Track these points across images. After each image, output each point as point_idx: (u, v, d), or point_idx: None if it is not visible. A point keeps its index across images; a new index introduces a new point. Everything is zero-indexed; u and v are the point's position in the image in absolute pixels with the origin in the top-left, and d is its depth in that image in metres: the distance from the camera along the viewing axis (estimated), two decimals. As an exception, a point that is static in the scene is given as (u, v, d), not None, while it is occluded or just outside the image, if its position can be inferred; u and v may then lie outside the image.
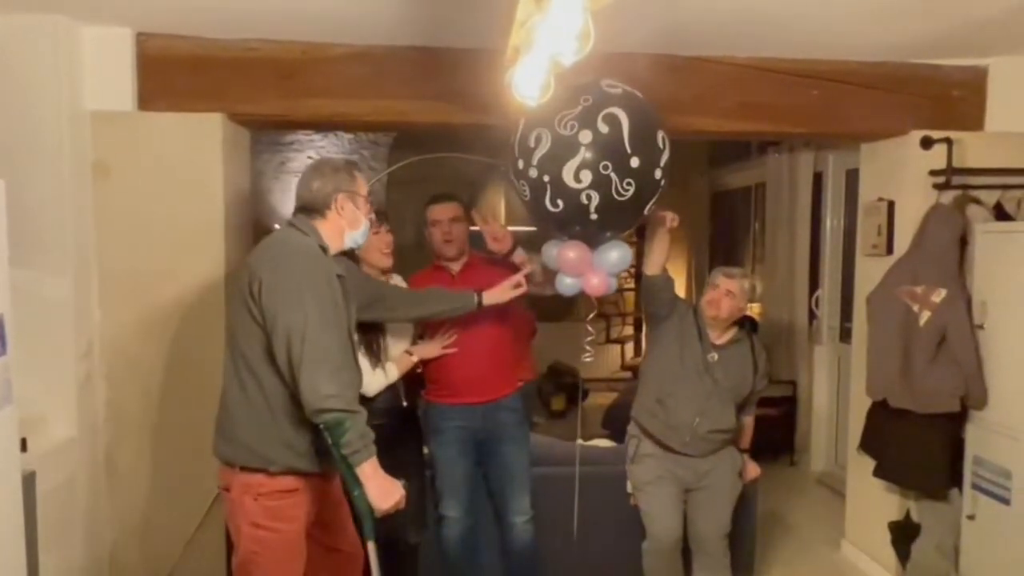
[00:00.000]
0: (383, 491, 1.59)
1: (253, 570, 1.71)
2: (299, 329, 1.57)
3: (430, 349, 2.29)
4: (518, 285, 2.17)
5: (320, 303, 1.61)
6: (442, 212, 2.31)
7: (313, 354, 1.56)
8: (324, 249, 1.72)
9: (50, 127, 2.21)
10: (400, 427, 2.26)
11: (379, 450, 2.11)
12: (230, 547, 1.84)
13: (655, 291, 2.31)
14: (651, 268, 2.28)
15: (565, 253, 2.05)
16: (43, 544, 1.94)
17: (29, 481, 1.86)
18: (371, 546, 1.65)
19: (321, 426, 1.56)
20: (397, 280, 2.35)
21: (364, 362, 2.11)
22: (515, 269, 2.31)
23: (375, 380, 2.14)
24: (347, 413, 1.55)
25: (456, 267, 2.36)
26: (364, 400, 1.84)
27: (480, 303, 2.16)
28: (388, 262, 2.24)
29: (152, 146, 2.39)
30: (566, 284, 2.11)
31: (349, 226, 1.77)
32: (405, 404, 2.28)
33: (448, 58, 2.42)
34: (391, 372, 2.21)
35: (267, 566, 1.70)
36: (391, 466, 2.04)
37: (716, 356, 2.30)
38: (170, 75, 2.39)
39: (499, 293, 2.17)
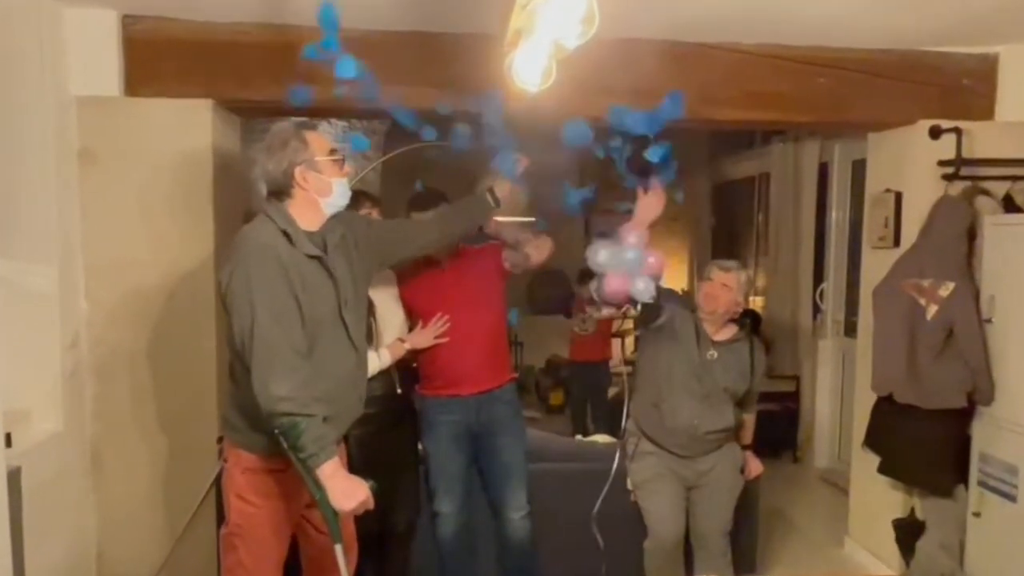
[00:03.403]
0: (345, 492, 1.58)
1: (237, 542, 1.75)
2: (247, 328, 1.58)
3: (422, 338, 2.29)
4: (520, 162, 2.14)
5: (269, 300, 1.58)
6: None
7: (261, 354, 1.56)
8: (288, 235, 1.67)
9: (33, 113, 2.19)
10: (394, 415, 2.27)
11: (373, 438, 2.08)
12: (220, 519, 1.88)
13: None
14: None
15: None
16: (29, 540, 1.94)
17: (14, 477, 1.86)
18: (338, 548, 1.64)
19: (276, 431, 1.55)
20: (386, 272, 2.34)
21: None
22: (499, 252, 2.36)
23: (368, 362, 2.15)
24: (300, 416, 1.54)
25: (444, 255, 2.37)
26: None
27: (496, 201, 2.11)
28: None
29: (139, 133, 2.38)
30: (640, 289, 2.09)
31: (319, 195, 1.71)
32: (399, 391, 2.29)
33: (446, 43, 2.41)
34: (383, 357, 2.22)
35: (249, 540, 1.74)
36: (384, 454, 2.03)
37: (715, 354, 2.29)
38: (158, 59, 2.37)
39: (507, 185, 2.13)
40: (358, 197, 2.26)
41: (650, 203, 2.11)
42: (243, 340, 1.59)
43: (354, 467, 1.79)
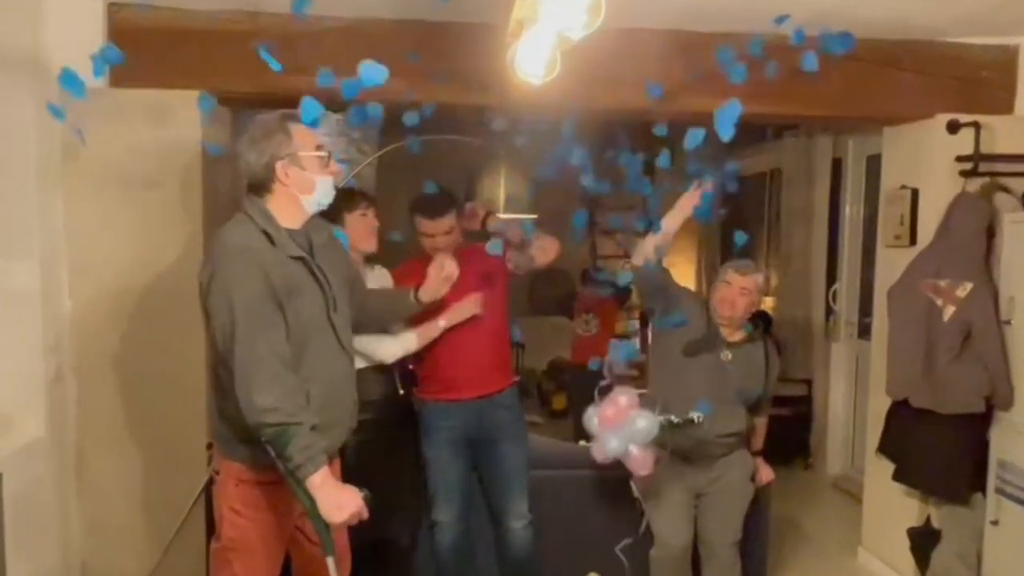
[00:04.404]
0: (336, 503, 1.58)
1: (232, 557, 1.75)
2: (228, 337, 1.57)
3: (465, 309, 2.24)
4: (448, 277, 2.07)
5: (250, 306, 1.57)
6: (433, 228, 2.29)
7: (243, 363, 1.55)
8: (269, 235, 1.65)
9: (13, 104, 2.19)
10: (395, 419, 2.26)
11: (373, 444, 2.06)
12: (210, 534, 1.88)
13: (641, 283, 2.32)
14: (637, 257, 2.28)
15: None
16: (10, 549, 1.95)
17: (-4, 483, 1.87)
18: (330, 561, 1.64)
19: (263, 439, 1.55)
20: (381, 272, 2.34)
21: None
22: (502, 254, 2.35)
23: (391, 347, 2.12)
24: (287, 426, 1.53)
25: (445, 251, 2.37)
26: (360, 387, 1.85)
27: (417, 299, 2.05)
28: (371, 247, 2.23)
29: (125, 125, 2.38)
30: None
31: (301, 192, 1.69)
32: (401, 392, 2.28)
33: (445, 33, 2.41)
34: (407, 340, 2.17)
35: (245, 555, 1.74)
36: (385, 461, 2.01)
37: (729, 355, 2.31)
38: (145, 49, 2.36)
39: (433, 288, 2.05)
40: (354, 196, 2.25)
41: (692, 199, 2.19)
42: (225, 348, 1.59)
43: (353, 475, 1.79)
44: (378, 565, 2.23)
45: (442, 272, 2.03)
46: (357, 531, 1.78)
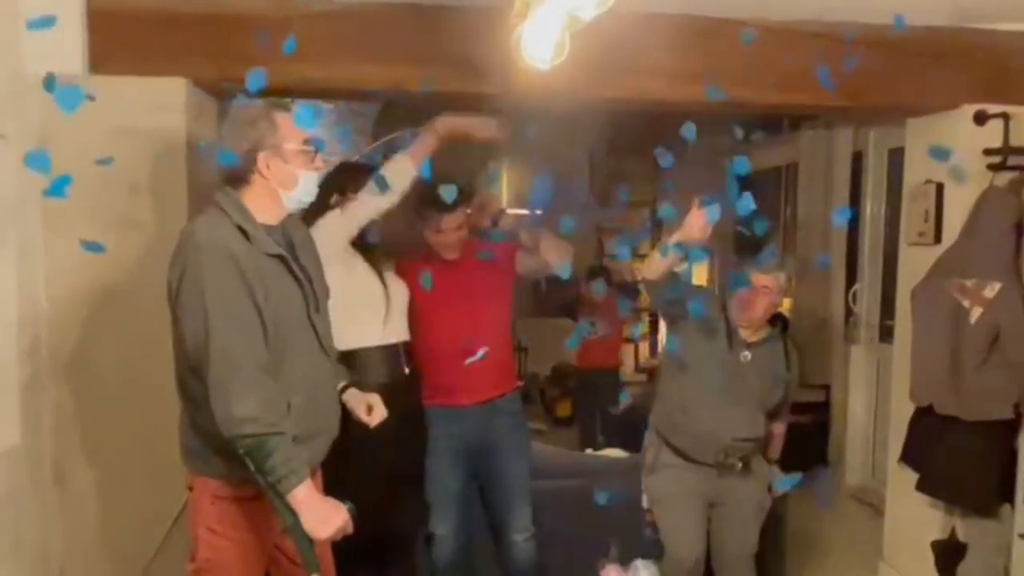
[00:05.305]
0: (320, 518, 1.56)
1: None
2: (201, 341, 1.54)
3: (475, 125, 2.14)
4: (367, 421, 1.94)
5: (225, 307, 1.54)
6: (445, 223, 2.27)
7: (219, 370, 1.52)
8: (245, 231, 1.62)
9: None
10: (399, 409, 2.20)
11: (379, 434, 1.98)
12: None
13: (658, 295, 2.30)
14: (651, 271, 2.22)
15: None
16: (-15, 563, 1.94)
17: (-32, 494, 1.86)
18: None
19: (240, 451, 1.52)
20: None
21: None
22: (512, 251, 2.34)
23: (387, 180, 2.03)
24: (267, 437, 1.51)
25: (452, 254, 2.36)
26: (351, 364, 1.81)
27: (342, 391, 1.94)
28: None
29: (106, 115, 2.35)
30: None
31: (281, 187, 1.67)
32: (407, 371, 2.23)
33: (445, 17, 2.39)
34: (404, 163, 2.04)
35: (220, 575, 1.71)
36: (385, 460, 1.95)
37: (749, 356, 2.30)
38: (126, 33, 2.35)
39: (357, 402, 1.94)
40: (358, 173, 2.23)
41: (698, 219, 2.10)
42: (198, 354, 1.56)
43: (350, 475, 1.77)
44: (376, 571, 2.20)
45: (364, 413, 1.92)
46: (349, 540, 1.76)
